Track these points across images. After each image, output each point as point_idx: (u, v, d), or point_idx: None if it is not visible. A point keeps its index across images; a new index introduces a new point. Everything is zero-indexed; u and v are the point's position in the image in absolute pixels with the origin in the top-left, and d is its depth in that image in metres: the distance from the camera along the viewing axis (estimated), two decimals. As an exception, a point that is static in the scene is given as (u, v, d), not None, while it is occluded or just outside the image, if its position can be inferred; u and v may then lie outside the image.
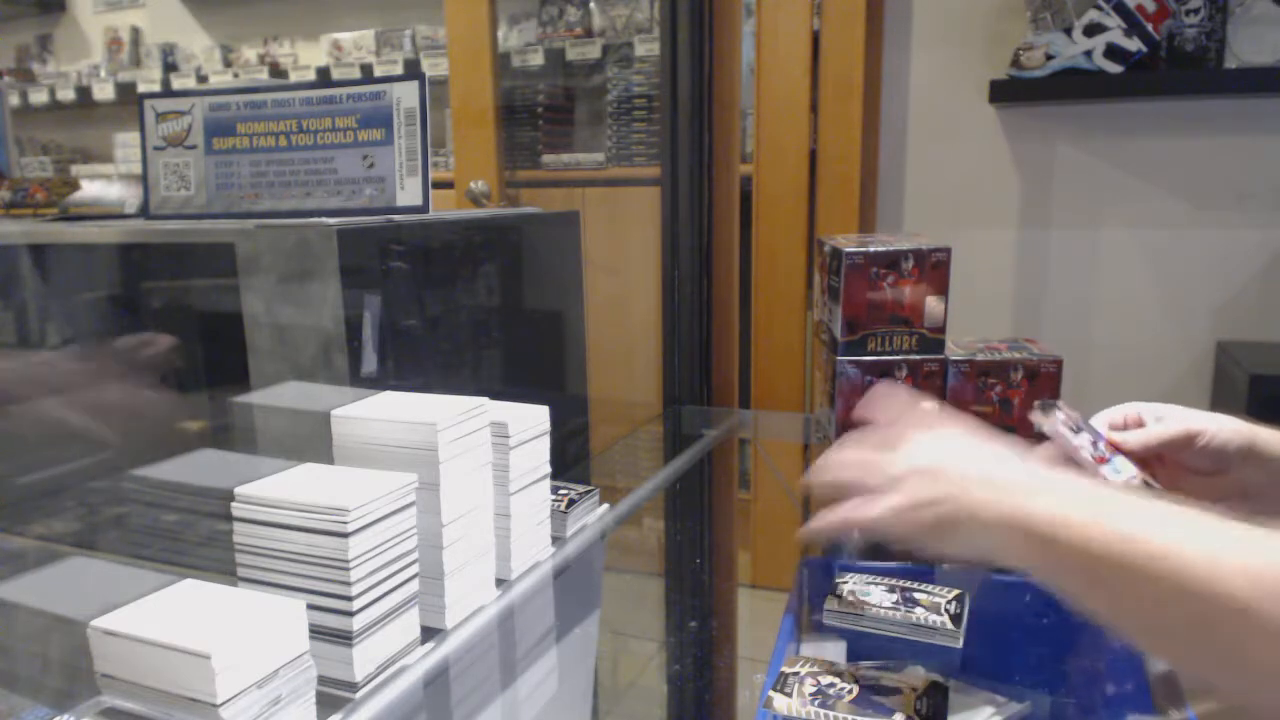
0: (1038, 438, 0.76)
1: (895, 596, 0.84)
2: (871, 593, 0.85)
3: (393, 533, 0.71)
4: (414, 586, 0.74)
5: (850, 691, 0.68)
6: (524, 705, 0.80)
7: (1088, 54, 1.81)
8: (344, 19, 3.27)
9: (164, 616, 0.60)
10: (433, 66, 2.91)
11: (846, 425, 1.27)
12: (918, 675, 0.71)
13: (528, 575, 0.91)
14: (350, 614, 0.67)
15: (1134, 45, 1.78)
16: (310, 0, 3.37)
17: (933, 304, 1.25)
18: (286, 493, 0.68)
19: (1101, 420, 0.78)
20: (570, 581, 0.96)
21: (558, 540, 0.99)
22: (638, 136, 2.57)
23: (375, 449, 0.78)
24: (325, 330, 0.92)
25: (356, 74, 3.13)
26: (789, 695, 0.68)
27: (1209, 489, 0.74)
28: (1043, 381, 1.23)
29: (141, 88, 3.51)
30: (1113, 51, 1.80)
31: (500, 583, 0.88)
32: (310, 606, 0.65)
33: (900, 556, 0.94)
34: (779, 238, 2.06)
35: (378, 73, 3.07)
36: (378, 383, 0.95)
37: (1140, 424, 0.76)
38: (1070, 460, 0.72)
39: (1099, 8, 1.79)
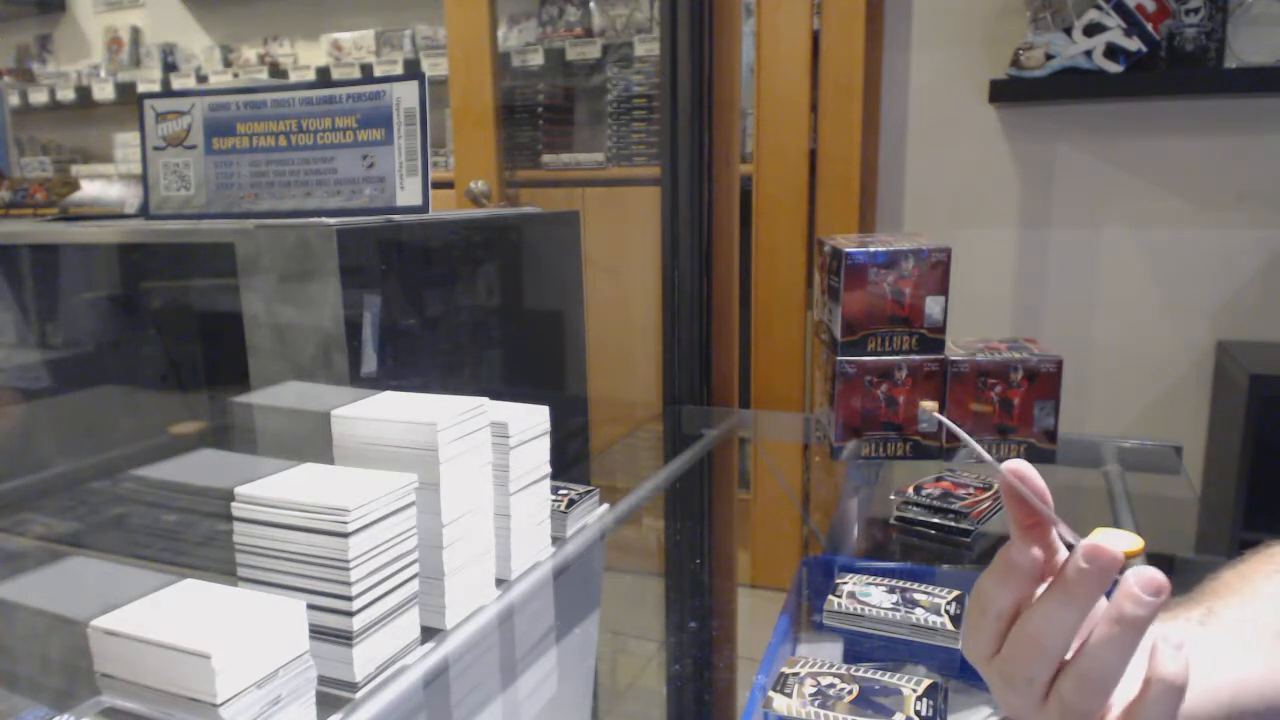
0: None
1: (895, 597, 0.84)
2: (871, 593, 0.85)
3: (393, 533, 0.71)
4: (414, 586, 0.74)
5: (850, 692, 0.68)
6: (524, 705, 0.80)
7: (1088, 54, 1.81)
8: (344, 19, 3.27)
9: (164, 616, 0.60)
10: (433, 66, 2.91)
11: (849, 428, 1.27)
12: (918, 675, 0.71)
13: (528, 575, 0.91)
14: (350, 614, 0.67)
15: (1134, 45, 1.78)
16: (310, 0, 3.37)
17: (933, 304, 1.25)
18: (286, 493, 0.68)
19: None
20: (570, 581, 0.96)
21: (558, 540, 0.99)
22: (638, 136, 2.57)
23: (375, 449, 0.78)
24: (325, 330, 0.92)
25: (356, 74, 3.13)
26: (789, 696, 0.68)
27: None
28: (1043, 381, 1.23)
29: (141, 88, 3.51)
30: (1113, 51, 1.80)
31: (500, 583, 0.88)
32: (310, 606, 0.65)
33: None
34: (779, 238, 2.06)
35: (378, 73, 3.07)
36: (378, 383, 0.95)
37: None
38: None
39: (1099, 7, 1.79)
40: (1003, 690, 0.49)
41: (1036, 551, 0.46)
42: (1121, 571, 0.45)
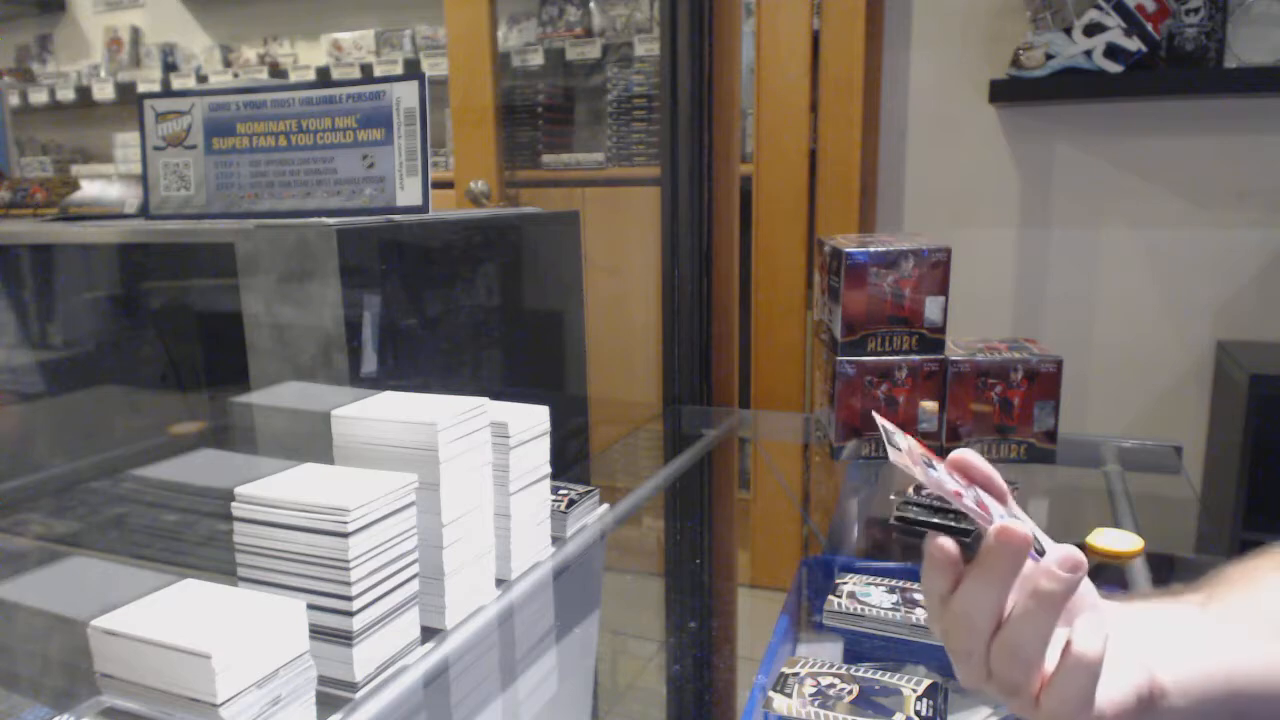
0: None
1: (895, 597, 0.84)
2: (871, 593, 0.85)
3: (393, 533, 0.71)
4: (414, 586, 0.74)
5: (850, 692, 0.68)
6: (524, 705, 0.80)
7: (1088, 54, 1.81)
8: (344, 19, 3.27)
9: (164, 616, 0.60)
10: (433, 66, 2.91)
11: (849, 428, 1.27)
12: (918, 675, 0.71)
13: (528, 575, 0.91)
14: (350, 614, 0.67)
15: (1134, 45, 1.78)
16: (310, 0, 3.37)
17: (933, 304, 1.25)
18: (286, 493, 0.68)
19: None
20: (570, 581, 0.96)
21: (558, 540, 0.99)
22: (638, 136, 2.57)
23: (375, 449, 0.78)
24: (325, 330, 0.92)
25: (356, 74, 3.13)
26: (789, 696, 0.68)
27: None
28: (1043, 381, 1.23)
29: (141, 88, 3.51)
30: (1113, 51, 1.80)
31: (500, 583, 0.88)
32: (310, 606, 0.65)
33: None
34: (779, 238, 2.06)
35: (378, 73, 3.07)
36: (378, 383, 0.95)
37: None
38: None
39: (1099, 7, 1.79)
40: (956, 665, 0.51)
41: (945, 540, 0.50)
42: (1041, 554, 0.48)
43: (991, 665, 0.48)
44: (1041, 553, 0.48)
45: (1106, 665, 0.47)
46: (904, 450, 0.50)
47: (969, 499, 0.49)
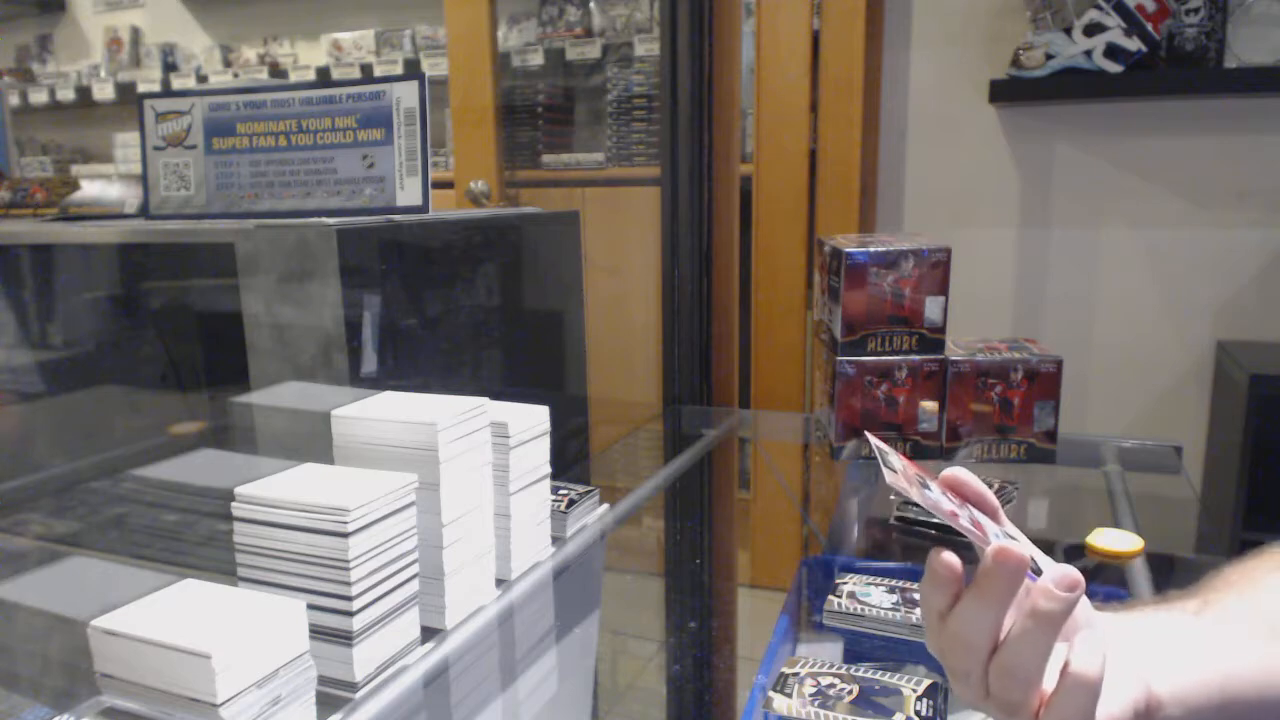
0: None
1: (895, 597, 0.84)
2: (871, 593, 0.85)
3: (392, 533, 0.71)
4: (414, 586, 0.74)
5: (850, 692, 0.68)
6: (524, 705, 0.80)
7: (1088, 54, 1.81)
8: (344, 19, 3.27)
9: (164, 616, 0.60)
10: (433, 66, 2.91)
11: (848, 428, 1.27)
12: (918, 675, 0.71)
13: (528, 575, 0.91)
14: (350, 614, 0.67)
15: (1134, 45, 1.78)
16: (310, 0, 3.37)
17: (933, 304, 1.25)
18: (286, 493, 0.68)
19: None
20: (570, 581, 0.96)
21: (558, 540, 0.99)
22: (638, 136, 2.57)
23: (375, 449, 0.78)
24: (325, 330, 0.92)
25: (356, 74, 3.13)
26: (789, 696, 0.68)
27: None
28: (1043, 381, 1.23)
29: (141, 88, 3.51)
30: (1113, 51, 1.80)
31: (500, 583, 0.88)
32: (310, 606, 0.65)
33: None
34: (779, 238, 2.06)
35: (378, 73, 3.07)
36: (378, 383, 0.95)
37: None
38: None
39: (1099, 7, 1.79)
40: (954, 684, 0.51)
41: (949, 555, 0.49)
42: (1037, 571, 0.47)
43: (990, 685, 0.48)
44: (1038, 572, 0.48)
45: (1104, 682, 0.47)
46: (899, 471, 0.49)
47: (964, 519, 0.49)
